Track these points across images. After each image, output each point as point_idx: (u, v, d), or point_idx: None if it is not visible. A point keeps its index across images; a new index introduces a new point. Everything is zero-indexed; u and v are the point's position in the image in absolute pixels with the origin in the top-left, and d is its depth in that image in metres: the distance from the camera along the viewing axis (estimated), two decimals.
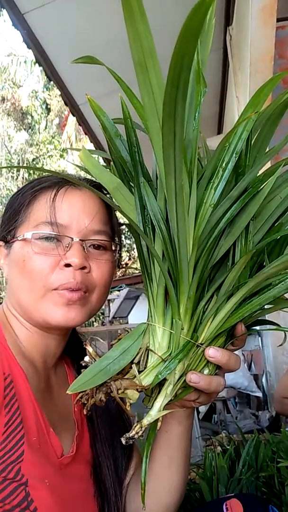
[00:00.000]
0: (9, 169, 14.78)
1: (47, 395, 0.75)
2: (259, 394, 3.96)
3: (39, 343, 0.74)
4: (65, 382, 0.82)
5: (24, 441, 0.64)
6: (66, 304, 0.69)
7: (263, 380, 3.86)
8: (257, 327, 0.70)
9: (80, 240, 0.70)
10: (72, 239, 0.70)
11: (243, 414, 3.80)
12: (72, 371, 0.84)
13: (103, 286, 0.74)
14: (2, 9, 2.26)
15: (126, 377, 0.57)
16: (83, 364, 0.58)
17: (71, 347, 0.82)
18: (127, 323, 6.77)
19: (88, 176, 0.73)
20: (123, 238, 0.86)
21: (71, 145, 13.10)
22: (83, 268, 0.70)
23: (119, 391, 0.56)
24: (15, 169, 14.86)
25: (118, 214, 0.80)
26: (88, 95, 0.67)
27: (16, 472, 0.61)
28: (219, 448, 1.57)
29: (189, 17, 0.31)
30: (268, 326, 0.70)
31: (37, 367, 0.74)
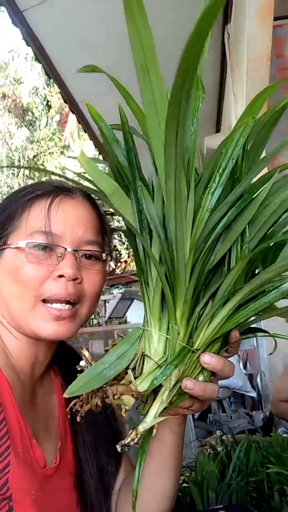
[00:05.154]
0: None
1: (31, 405, 0.75)
2: (254, 394, 3.97)
3: (27, 352, 0.73)
4: (51, 391, 0.81)
5: (10, 452, 0.63)
6: (55, 320, 0.69)
7: (258, 380, 3.87)
8: (250, 334, 0.70)
9: (73, 250, 0.70)
10: (65, 249, 0.70)
11: (237, 413, 3.80)
12: (58, 378, 0.83)
13: (93, 296, 0.73)
14: (1, 6, 2.24)
15: (121, 382, 0.57)
16: (79, 369, 0.57)
17: (58, 354, 0.82)
18: (125, 322, 6.74)
19: (83, 183, 0.72)
20: (122, 237, 0.86)
21: (73, 141, 13.15)
22: (75, 279, 0.69)
23: (115, 397, 0.55)
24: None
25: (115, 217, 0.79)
26: (88, 103, 0.66)
27: (2, 484, 0.60)
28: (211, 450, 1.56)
29: (201, 18, 0.31)
30: (261, 334, 0.71)
31: (23, 376, 0.73)
